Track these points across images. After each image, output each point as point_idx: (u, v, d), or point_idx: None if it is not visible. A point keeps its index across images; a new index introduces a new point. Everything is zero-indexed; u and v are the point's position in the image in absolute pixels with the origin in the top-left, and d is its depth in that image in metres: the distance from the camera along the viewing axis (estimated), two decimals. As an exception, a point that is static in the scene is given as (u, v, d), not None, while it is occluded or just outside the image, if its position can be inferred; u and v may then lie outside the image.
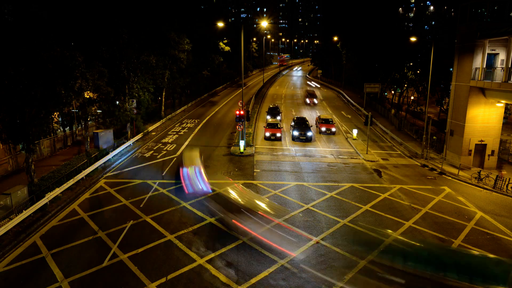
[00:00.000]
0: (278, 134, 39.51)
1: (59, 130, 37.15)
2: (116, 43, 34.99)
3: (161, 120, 47.45)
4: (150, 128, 42.74)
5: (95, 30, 34.75)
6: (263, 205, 19.63)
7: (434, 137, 39.70)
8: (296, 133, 39.43)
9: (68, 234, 19.15)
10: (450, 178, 30.12)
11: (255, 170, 29.77)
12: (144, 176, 27.70)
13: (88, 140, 32.63)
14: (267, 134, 39.46)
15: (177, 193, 24.59)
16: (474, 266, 12.52)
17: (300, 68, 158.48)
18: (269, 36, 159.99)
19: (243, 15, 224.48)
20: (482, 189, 27.82)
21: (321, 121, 44.12)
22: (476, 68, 30.91)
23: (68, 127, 38.20)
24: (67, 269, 16.10)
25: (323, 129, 42.95)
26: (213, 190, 21.78)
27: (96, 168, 28.85)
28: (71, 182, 25.16)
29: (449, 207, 24.02)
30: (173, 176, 27.91)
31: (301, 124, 40.87)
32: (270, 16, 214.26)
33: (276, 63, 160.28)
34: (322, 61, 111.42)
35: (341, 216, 21.90)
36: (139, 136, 39.09)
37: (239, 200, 19.43)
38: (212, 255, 17.31)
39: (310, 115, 53.11)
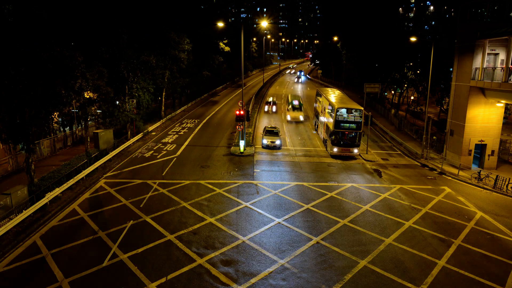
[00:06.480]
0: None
1: (59, 131, 37.14)
2: (116, 43, 34.98)
3: (161, 120, 47.44)
4: (150, 128, 42.73)
5: (95, 30, 34.76)
6: None
7: (434, 137, 39.69)
8: None
9: (68, 234, 19.14)
10: (450, 178, 30.12)
11: (255, 170, 29.76)
12: (144, 176, 27.70)
13: (88, 140, 32.61)
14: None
15: (177, 193, 24.60)
16: None
17: (300, 68, 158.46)
18: (269, 36, 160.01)
19: (243, 15, 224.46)
20: (482, 189, 27.82)
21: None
22: (476, 68, 30.90)
23: (68, 127, 38.18)
24: (67, 269, 16.09)
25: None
26: None
27: (96, 168, 28.85)
28: (71, 182, 25.15)
29: (449, 207, 24.02)
30: (173, 176, 27.91)
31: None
32: (270, 16, 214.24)
33: (276, 63, 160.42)
34: (322, 61, 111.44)
35: (341, 216, 21.91)
36: (139, 136, 39.09)
37: None
38: (212, 254, 17.32)
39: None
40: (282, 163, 32.09)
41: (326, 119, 37.50)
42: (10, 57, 21.54)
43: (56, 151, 33.92)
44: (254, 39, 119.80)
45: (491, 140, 32.34)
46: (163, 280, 15.43)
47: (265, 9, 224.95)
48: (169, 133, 42.42)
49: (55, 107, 24.49)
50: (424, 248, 18.61)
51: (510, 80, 27.80)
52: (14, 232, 19.28)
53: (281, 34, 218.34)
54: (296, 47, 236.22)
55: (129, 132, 38.08)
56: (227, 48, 73.85)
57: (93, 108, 34.29)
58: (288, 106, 49.89)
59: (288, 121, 48.82)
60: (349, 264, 16.89)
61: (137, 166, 30.26)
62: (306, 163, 32.35)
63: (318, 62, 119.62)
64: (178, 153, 34.10)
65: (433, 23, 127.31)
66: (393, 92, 65.99)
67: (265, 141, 36.58)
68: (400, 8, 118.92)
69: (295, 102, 48.71)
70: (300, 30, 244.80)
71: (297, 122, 48.77)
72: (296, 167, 30.93)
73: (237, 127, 34.31)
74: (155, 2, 46.47)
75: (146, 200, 23.32)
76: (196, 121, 49.10)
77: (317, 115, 45.29)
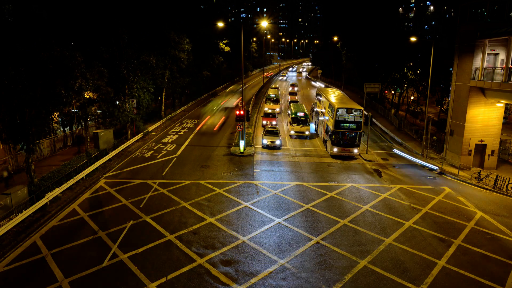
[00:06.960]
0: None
1: (59, 130, 37.15)
2: (116, 43, 34.99)
3: (161, 120, 47.45)
4: (150, 128, 42.74)
5: (95, 30, 34.76)
6: None
7: (434, 137, 39.70)
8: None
9: (68, 234, 19.14)
10: (450, 178, 30.12)
11: (255, 170, 29.76)
12: (144, 176, 27.70)
13: (88, 140, 32.62)
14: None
15: (177, 193, 24.60)
16: None
17: (300, 68, 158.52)
18: (269, 36, 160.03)
19: (243, 15, 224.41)
20: (482, 189, 27.82)
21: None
22: (476, 68, 30.91)
23: (68, 127, 38.20)
24: (67, 269, 16.09)
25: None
26: None
27: (96, 168, 28.85)
28: (71, 182, 25.15)
29: (449, 207, 24.02)
30: (173, 176, 27.91)
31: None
32: (270, 16, 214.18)
33: (276, 63, 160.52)
34: (322, 61, 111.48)
35: (341, 216, 21.91)
36: (139, 136, 39.09)
37: None
38: (212, 255, 17.32)
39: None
40: (282, 163, 32.09)
41: (326, 119, 37.38)
42: (10, 57, 21.54)
43: (56, 151, 33.92)
44: (254, 39, 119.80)
45: (491, 140, 32.34)
46: (163, 280, 15.43)
47: (265, 9, 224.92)
48: (169, 133, 42.42)
49: (55, 107, 24.50)
50: (424, 248, 18.61)
51: (510, 80, 27.80)
52: (14, 232, 19.28)
53: (281, 34, 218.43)
54: (296, 47, 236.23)
55: (129, 132, 38.09)
56: (227, 48, 73.87)
57: (93, 108, 34.30)
58: (291, 118, 42.53)
59: (290, 136, 42.29)
60: (349, 264, 16.90)
61: (137, 166, 30.26)
62: (306, 163, 32.35)
63: (317, 61, 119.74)
64: (178, 153, 34.10)
65: (433, 23, 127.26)
66: (393, 92, 65.99)
67: (265, 141, 36.54)
68: (400, 8, 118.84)
69: (300, 114, 42.08)
70: (300, 30, 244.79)
71: (302, 137, 42.12)
72: (296, 167, 30.94)
73: (237, 127, 34.30)
74: (155, 2, 46.48)
75: (146, 200, 23.32)
76: (196, 121, 49.07)
77: (317, 115, 45.10)
